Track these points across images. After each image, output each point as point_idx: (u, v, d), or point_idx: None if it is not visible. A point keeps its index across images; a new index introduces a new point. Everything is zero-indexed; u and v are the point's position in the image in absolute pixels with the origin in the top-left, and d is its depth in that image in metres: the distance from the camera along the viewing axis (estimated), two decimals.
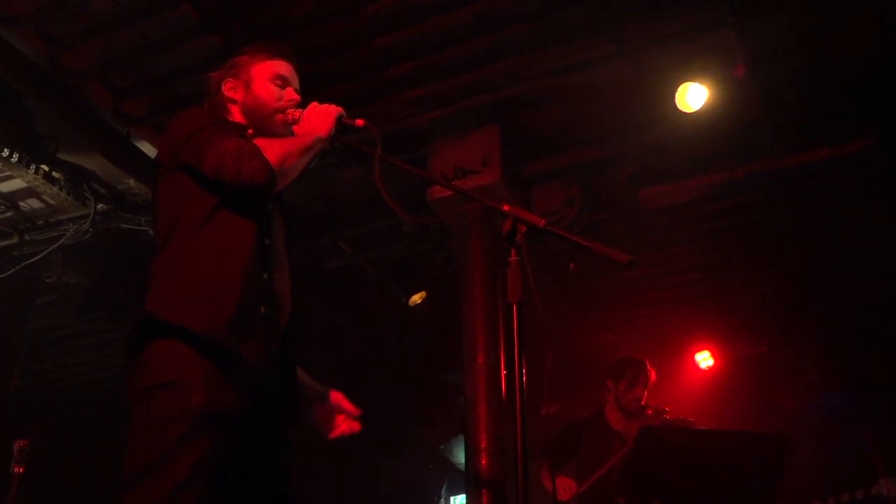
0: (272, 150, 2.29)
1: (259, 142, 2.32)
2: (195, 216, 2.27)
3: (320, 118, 2.45)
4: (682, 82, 4.84)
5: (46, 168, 5.44)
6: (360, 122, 2.50)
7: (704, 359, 7.15)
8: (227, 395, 2.10)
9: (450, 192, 5.08)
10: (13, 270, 6.17)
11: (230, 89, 2.59)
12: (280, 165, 2.27)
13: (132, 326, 2.17)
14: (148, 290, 2.23)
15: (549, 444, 5.00)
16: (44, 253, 6.07)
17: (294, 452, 2.37)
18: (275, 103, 2.56)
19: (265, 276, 2.31)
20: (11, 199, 6.02)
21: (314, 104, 2.51)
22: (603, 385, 5.15)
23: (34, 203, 6.00)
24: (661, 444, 4.20)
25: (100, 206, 5.83)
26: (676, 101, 4.88)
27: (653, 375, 5.08)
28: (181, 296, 2.17)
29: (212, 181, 2.25)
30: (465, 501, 7.55)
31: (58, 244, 6.02)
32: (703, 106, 4.88)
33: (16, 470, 4.55)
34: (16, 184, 5.76)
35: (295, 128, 2.51)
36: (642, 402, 4.99)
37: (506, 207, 2.25)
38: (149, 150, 5.37)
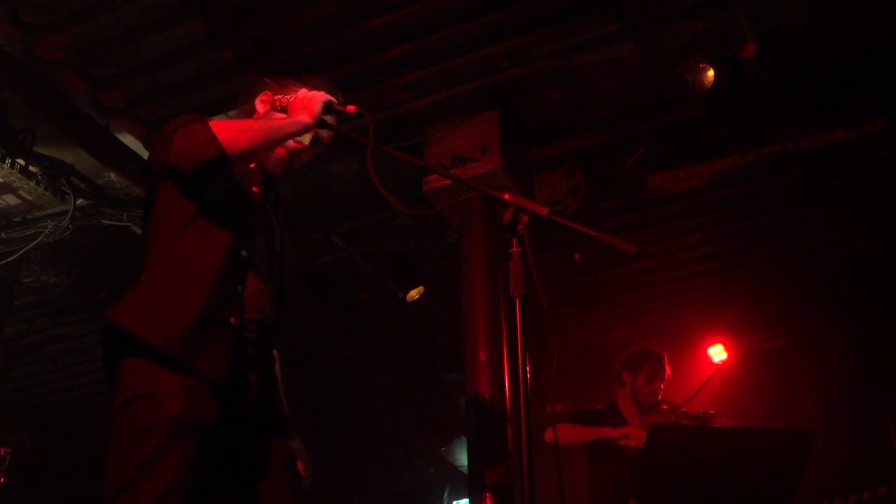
0: (226, 126, 2.32)
1: (214, 121, 2.35)
2: (174, 224, 2.33)
3: (304, 103, 2.48)
4: (689, 62, 4.83)
5: (22, 162, 5.44)
6: (351, 108, 2.52)
7: (718, 353, 7.15)
8: (203, 404, 2.17)
9: (447, 182, 5.08)
10: None
11: (260, 101, 2.66)
12: (232, 141, 2.28)
13: (100, 335, 2.26)
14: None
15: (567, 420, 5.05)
16: (21, 252, 6.06)
17: (292, 464, 2.42)
18: None
19: (238, 288, 2.34)
20: None
21: (302, 90, 2.54)
22: (617, 378, 5.17)
23: (10, 199, 5.98)
24: (674, 442, 4.22)
25: (79, 201, 5.82)
26: (684, 81, 4.87)
27: (668, 369, 5.13)
28: (142, 305, 2.23)
29: (179, 174, 2.28)
30: None
31: (35, 242, 6.01)
32: (712, 87, 4.87)
33: None
34: None
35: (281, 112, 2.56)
36: (658, 397, 5.04)
37: (506, 196, 2.25)
38: (129, 141, 5.37)
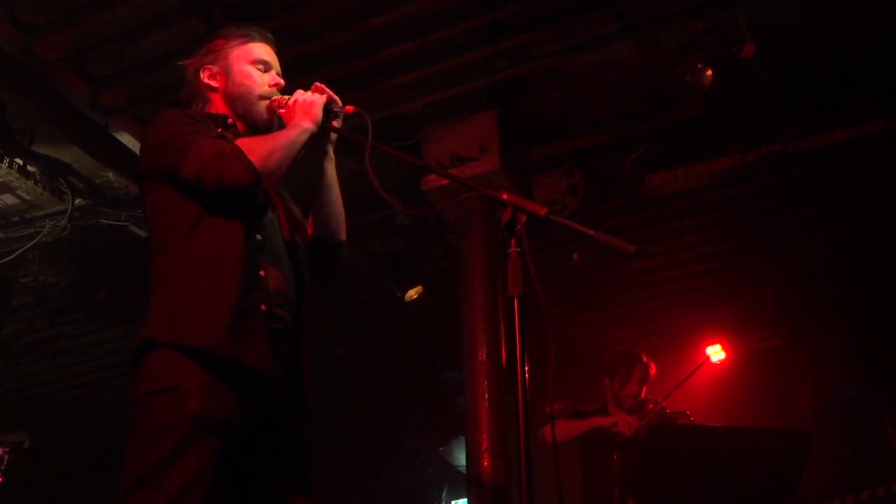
0: (255, 149, 2.29)
1: (241, 142, 2.33)
2: (181, 226, 2.28)
3: (305, 108, 2.46)
4: (689, 62, 4.84)
5: (20, 162, 5.44)
6: (349, 108, 2.52)
7: (715, 352, 7.17)
8: (226, 401, 2.14)
9: (446, 181, 5.08)
10: None
11: (209, 77, 2.60)
12: (264, 164, 2.27)
13: (133, 350, 2.22)
14: (146, 310, 2.26)
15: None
16: (19, 251, 6.06)
17: (311, 441, 2.40)
18: (258, 89, 2.57)
19: (262, 273, 2.32)
20: None
21: (299, 92, 2.52)
22: (601, 382, 5.21)
23: (8, 199, 5.97)
24: (673, 443, 4.23)
25: (77, 200, 5.82)
26: (683, 81, 4.88)
27: (652, 369, 5.13)
28: (175, 315, 2.20)
29: (194, 187, 2.25)
30: None
31: (34, 242, 6.01)
32: (711, 87, 4.88)
33: None
34: None
35: (282, 112, 2.53)
36: (641, 397, 5.05)
37: (504, 196, 2.26)
38: (128, 140, 5.38)
